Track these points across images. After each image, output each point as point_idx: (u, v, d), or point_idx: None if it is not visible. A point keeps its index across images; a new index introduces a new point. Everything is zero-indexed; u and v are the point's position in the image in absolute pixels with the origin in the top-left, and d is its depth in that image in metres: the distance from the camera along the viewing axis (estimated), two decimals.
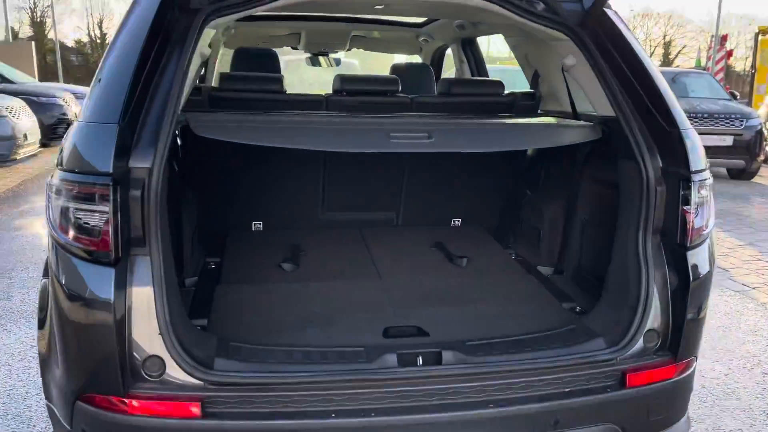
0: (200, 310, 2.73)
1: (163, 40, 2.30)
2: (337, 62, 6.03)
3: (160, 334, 2.09)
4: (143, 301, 2.09)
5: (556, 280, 3.27)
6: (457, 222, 4.12)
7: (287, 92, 3.51)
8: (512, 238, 3.90)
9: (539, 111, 3.84)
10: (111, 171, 2.01)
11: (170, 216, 2.87)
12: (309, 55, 6.06)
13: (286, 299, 2.88)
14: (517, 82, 5.39)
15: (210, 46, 5.24)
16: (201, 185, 3.61)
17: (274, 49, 4.79)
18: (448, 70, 6.60)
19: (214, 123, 2.54)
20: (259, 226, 3.86)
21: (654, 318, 2.44)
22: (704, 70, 21.92)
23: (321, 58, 5.92)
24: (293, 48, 6.03)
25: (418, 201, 4.00)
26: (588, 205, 3.17)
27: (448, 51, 5.77)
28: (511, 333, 2.57)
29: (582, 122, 3.00)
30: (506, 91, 3.78)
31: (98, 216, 2.07)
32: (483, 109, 3.71)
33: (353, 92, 3.57)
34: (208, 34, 2.66)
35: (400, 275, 3.23)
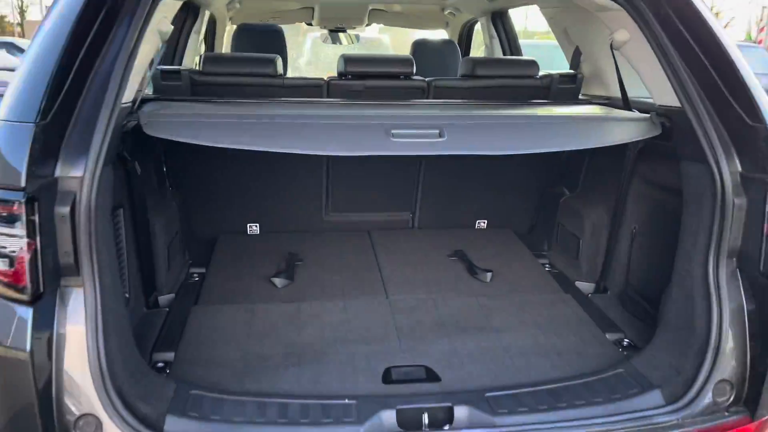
0: (168, 339, 2.30)
1: (107, 14, 1.83)
2: (357, 38, 5.48)
3: (95, 387, 1.67)
4: (75, 346, 1.67)
5: (598, 300, 2.74)
6: (482, 224, 3.59)
7: (284, 75, 3.03)
8: (546, 245, 3.36)
9: (581, 95, 3.28)
10: (23, 185, 1.57)
11: (135, 227, 2.44)
12: (326, 31, 5.54)
13: (272, 326, 2.42)
14: (555, 60, 4.79)
15: (213, 22, 4.79)
16: (186, 184, 3.17)
17: (280, 26, 4.31)
18: (479, 48, 6.01)
19: (169, 120, 2.07)
20: (255, 228, 3.41)
21: (727, 365, 1.92)
22: (755, 43, 20.63)
23: (341, 35, 5.39)
24: (308, 24, 5.52)
25: (437, 200, 3.48)
26: (639, 211, 2.63)
27: (478, 26, 5.19)
28: (543, 378, 2.07)
29: (636, 114, 2.44)
30: (541, 73, 3.23)
31: (15, 241, 1.63)
32: (513, 93, 3.17)
33: (359, 75, 3.07)
34: (169, 6, 2.18)
35: (411, 293, 2.74)
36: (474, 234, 3.49)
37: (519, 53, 4.61)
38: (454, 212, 3.54)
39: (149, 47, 2.03)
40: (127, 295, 2.39)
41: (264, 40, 4.11)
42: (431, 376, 2.10)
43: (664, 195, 2.44)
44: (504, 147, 2.16)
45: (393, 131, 2.01)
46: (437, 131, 2.03)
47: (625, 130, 2.30)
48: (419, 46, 4.53)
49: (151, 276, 2.58)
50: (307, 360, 2.18)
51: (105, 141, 1.71)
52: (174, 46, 3.97)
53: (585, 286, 2.91)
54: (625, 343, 2.38)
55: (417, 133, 2.03)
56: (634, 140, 2.26)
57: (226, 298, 2.65)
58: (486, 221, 3.58)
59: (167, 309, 2.56)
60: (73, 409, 1.68)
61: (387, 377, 2.09)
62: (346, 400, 1.88)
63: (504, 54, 4.68)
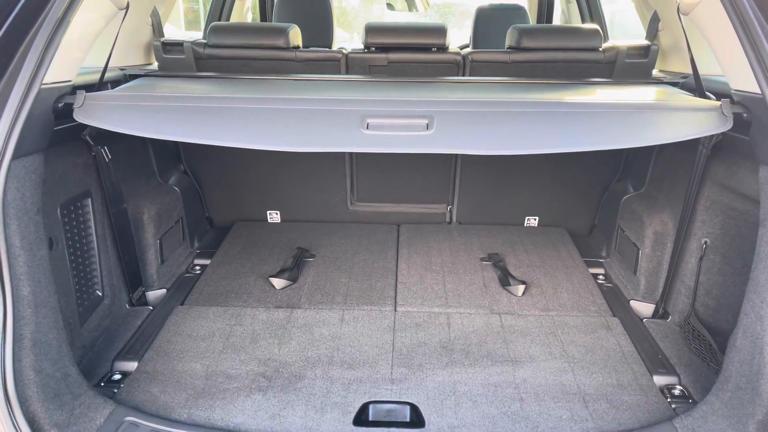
0: (137, 346, 2.07)
1: None
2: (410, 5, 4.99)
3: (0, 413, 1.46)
4: None
5: (654, 327, 2.22)
6: (532, 221, 3.10)
7: (299, 48, 2.68)
8: (605, 251, 2.84)
9: (656, 71, 2.71)
10: None
11: (111, 217, 2.22)
12: None
13: (254, 337, 2.13)
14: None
15: None
16: (203, 167, 2.94)
17: None
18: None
19: (104, 104, 1.78)
20: (275, 216, 3.12)
21: None
22: None
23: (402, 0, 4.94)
24: None
25: (479, 191, 3.03)
26: (712, 222, 2.08)
27: None
28: None
29: (699, 102, 1.87)
30: (607, 44, 2.68)
31: None
32: (568, 70, 2.65)
33: (383, 47, 2.67)
34: None
35: (423, 305, 2.35)
36: (521, 233, 3.02)
37: (600, 21, 3.98)
38: (500, 206, 3.07)
39: (94, 16, 1.75)
40: (99, 293, 2.19)
41: (307, 7, 3.78)
42: (414, 420, 1.73)
43: (745, 205, 1.89)
44: (506, 145, 1.68)
45: (369, 120, 1.62)
46: (425, 122, 1.62)
47: (680, 123, 1.76)
48: (482, 14, 4.04)
49: (135, 270, 2.36)
50: (277, 384, 1.87)
51: (14, 129, 1.45)
52: (218, 16, 3.74)
53: (642, 308, 2.39)
54: (676, 391, 1.88)
55: (398, 124, 1.63)
56: (689, 137, 1.72)
57: (216, 298, 2.39)
58: (537, 218, 3.09)
59: (151, 308, 2.34)
60: None
61: (361, 416, 1.74)
62: None
63: (583, 21, 4.07)
